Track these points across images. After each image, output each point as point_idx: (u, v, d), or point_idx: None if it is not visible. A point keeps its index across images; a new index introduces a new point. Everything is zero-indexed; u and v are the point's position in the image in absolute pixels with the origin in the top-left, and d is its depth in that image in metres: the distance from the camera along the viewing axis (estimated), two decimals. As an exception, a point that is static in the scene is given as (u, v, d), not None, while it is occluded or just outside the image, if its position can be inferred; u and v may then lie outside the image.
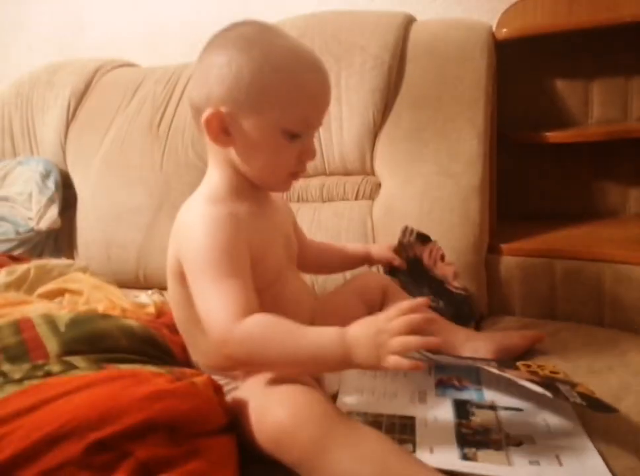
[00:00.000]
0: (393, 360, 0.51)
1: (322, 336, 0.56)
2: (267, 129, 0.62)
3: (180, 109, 1.22)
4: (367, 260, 0.87)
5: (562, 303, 0.94)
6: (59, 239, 1.29)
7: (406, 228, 0.89)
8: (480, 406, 0.64)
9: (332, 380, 0.69)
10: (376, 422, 0.61)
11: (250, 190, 0.67)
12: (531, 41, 1.05)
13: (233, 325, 0.56)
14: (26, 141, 1.41)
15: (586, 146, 1.07)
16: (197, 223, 0.62)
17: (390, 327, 0.53)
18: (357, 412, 0.63)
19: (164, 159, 1.19)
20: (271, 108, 0.61)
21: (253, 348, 0.56)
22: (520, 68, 1.10)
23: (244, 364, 0.60)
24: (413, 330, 0.52)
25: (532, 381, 0.60)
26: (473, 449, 0.57)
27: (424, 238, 0.91)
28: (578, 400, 0.58)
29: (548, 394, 0.58)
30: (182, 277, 0.63)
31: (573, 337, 0.84)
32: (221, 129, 0.62)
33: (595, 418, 0.63)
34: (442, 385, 0.68)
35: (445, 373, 0.71)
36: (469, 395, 0.66)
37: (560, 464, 0.55)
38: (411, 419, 0.62)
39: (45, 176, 1.27)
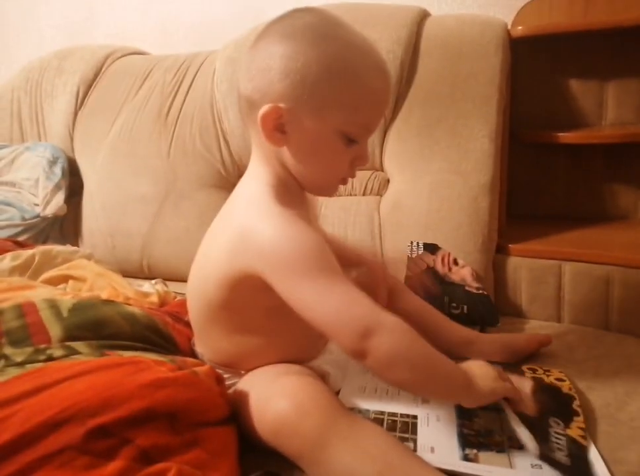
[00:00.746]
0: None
1: (456, 368, 0.59)
2: (327, 132, 0.58)
3: (189, 98, 1.21)
4: (358, 263, 0.81)
5: (569, 305, 0.93)
6: (65, 226, 1.28)
7: (411, 243, 0.89)
8: (484, 407, 0.63)
9: (337, 377, 0.68)
10: (377, 419, 0.61)
11: (298, 190, 0.64)
12: (546, 40, 1.04)
13: (381, 313, 0.54)
14: (34, 126, 1.41)
15: (599, 148, 1.05)
16: (279, 230, 0.56)
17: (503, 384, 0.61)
18: (359, 409, 0.63)
19: (172, 148, 1.19)
20: (335, 111, 0.57)
21: (404, 341, 0.54)
22: (535, 67, 1.09)
23: (387, 363, 0.54)
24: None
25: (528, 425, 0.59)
26: (475, 450, 0.56)
27: (432, 248, 0.91)
28: (562, 459, 0.56)
29: (532, 450, 0.57)
30: (232, 283, 0.59)
31: (579, 340, 0.83)
32: (277, 127, 0.58)
33: (599, 422, 0.62)
34: None
35: None
36: None
37: (564, 471, 0.54)
38: (413, 418, 0.62)
39: (53, 162, 1.27)
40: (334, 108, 0.57)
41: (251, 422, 0.56)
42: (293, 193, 0.63)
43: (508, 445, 0.57)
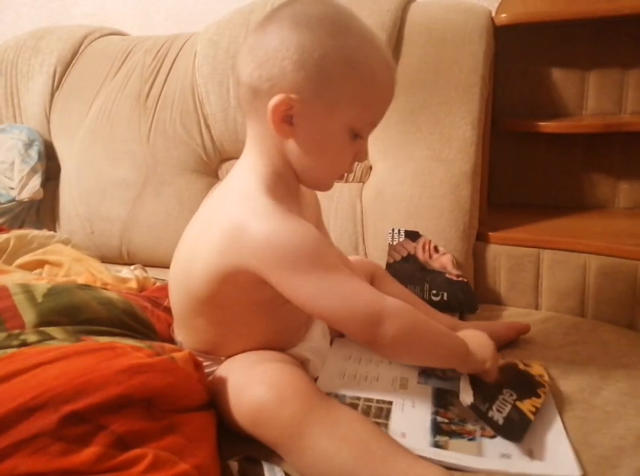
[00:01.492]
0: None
1: (456, 338, 0.61)
2: (336, 125, 0.57)
3: (170, 81, 1.19)
4: None
5: (546, 293, 0.95)
6: (41, 211, 1.26)
7: (392, 230, 0.89)
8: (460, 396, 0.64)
9: (316, 364, 0.68)
10: (353, 404, 0.61)
11: (294, 184, 0.63)
12: (530, 28, 1.04)
13: (384, 301, 0.55)
14: (9, 108, 1.37)
15: (579, 137, 1.06)
16: (277, 226, 0.55)
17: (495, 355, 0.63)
18: (335, 394, 0.63)
19: (152, 132, 1.16)
20: (348, 106, 0.56)
21: (409, 322, 0.56)
22: (518, 55, 1.09)
23: (397, 343, 0.56)
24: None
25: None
26: (446, 438, 0.57)
27: (413, 235, 0.91)
28: (499, 419, 0.57)
29: (464, 400, 0.59)
30: (222, 277, 0.58)
31: (556, 327, 0.85)
32: (285, 118, 0.56)
33: (574, 407, 0.64)
34: (425, 374, 0.68)
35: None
36: (452, 385, 0.65)
37: (532, 458, 0.55)
38: (388, 404, 0.62)
39: (29, 145, 1.24)
40: (348, 103, 0.56)
41: (229, 408, 0.56)
42: (288, 187, 0.61)
43: (480, 434, 0.58)
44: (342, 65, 0.55)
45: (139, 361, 0.52)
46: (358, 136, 0.59)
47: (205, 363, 0.64)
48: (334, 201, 1.02)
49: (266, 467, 0.53)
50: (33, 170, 1.21)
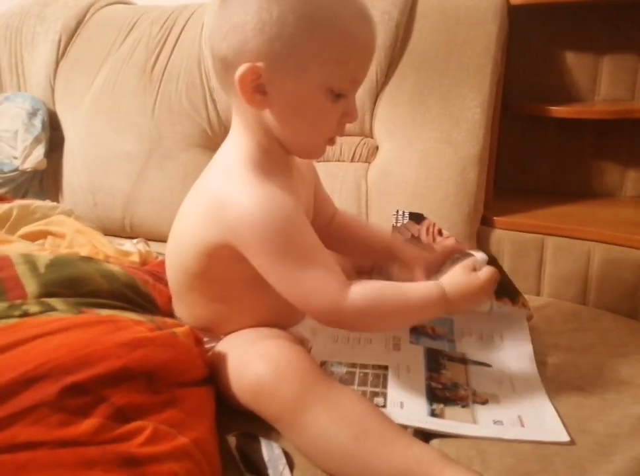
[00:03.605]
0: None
1: (426, 289, 0.59)
2: (311, 88, 0.54)
3: (176, 53, 1.17)
4: (390, 255, 0.76)
5: (549, 279, 0.94)
6: (45, 181, 1.25)
7: (397, 212, 0.88)
8: (451, 358, 0.66)
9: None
10: (349, 372, 0.62)
11: (282, 157, 0.61)
12: (545, 9, 1.01)
13: (345, 298, 0.55)
14: (14, 76, 1.35)
15: (589, 123, 1.04)
16: (254, 205, 0.54)
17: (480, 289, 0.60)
18: (330, 362, 0.63)
19: (157, 105, 1.15)
20: (318, 65, 0.53)
21: (370, 314, 0.56)
22: (531, 37, 1.07)
23: (363, 323, 0.59)
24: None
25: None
26: (441, 405, 0.58)
27: (417, 217, 0.90)
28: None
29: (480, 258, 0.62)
30: (212, 254, 0.58)
31: (556, 314, 0.85)
32: (257, 88, 0.54)
33: (571, 394, 0.64)
34: (416, 332, 0.69)
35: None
36: (442, 345, 0.68)
37: (522, 425, 0.57)
38: (384, 369, 0.63)
39: (33, 114, 1.23)
40: (317, 62, 0.53)
41: (229, 384, 0.56)
42: (276, 161, 0.60)
43: (472, 399, 0.60)
44: (303, 21, 0.52)
45: (140, 335, 0.52)
46: (341, 96, 0.56)
47: (204, 339, 0.64)
48: (339, 181, 1.01)
49: (263, 443, 0.53)
50: (36, 140, 1.21)
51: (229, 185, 0.56)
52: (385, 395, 0.59)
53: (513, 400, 0.60)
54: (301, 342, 0.66)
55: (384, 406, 0.58)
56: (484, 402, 0.59)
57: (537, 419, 0.58)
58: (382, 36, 0.99)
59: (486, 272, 0.59)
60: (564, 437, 0.55)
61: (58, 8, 1.33)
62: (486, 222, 0.98)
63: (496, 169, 1.06)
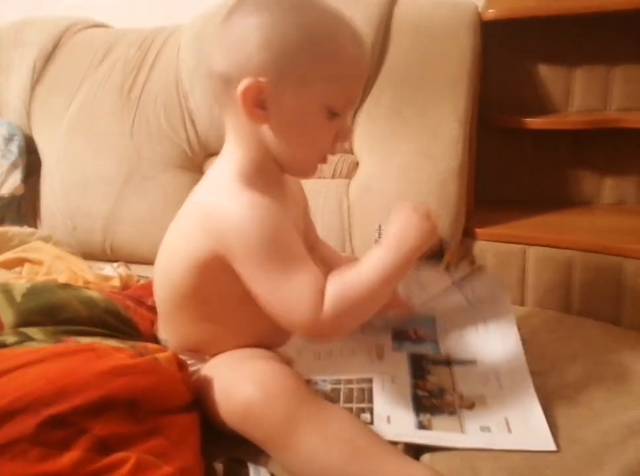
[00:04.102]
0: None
1: (371, 260, 0.56)
2: (309, 105, 0.56)
3: (154, 75, 1.17)
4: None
5: (532, 289, 0.95)
6: (22, 207, 1.23)
7: (379, 227, 0.88)
8: (435, 361, 0.65)
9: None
10: (334, 389, 0.61)
11: (275, 174, 0.61)
12: (517, 24, 1.04)
13: (320, 309, 0.54)
14: (-12, 102, 1.34)
15: (565, 134, 1.07)
16: (242, 211, 0.55)
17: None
18: (314, 380, 0.63)
19: (135, 127, 1.14)
20: (317, 82, 0.55)
21: (346, 315, 0.55)
22: (504, 51, 1.09)
23: (339, 332, 0.58)
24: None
25: None
26: (428, 415, 0.58)
27: None
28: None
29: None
30: (198, 267, 0.58)
31: (541, 323, 0.85)
32: (258, 103, 0.55)
33: (559, 403, 0.64)
34: (399, 339, 0.68)
35: (401, 326, 0.71)
36: (425, 348, 0.67)
37: (509, 430, 0.57)
38: (369, 382, 0.62)
39: (9, 139, 1.21)
40: (317, 80, 0.55)
41: (216, 408, 0.55)
42: (268, 177, 0.60)
43: (459, 404, 0.59)
44: (305, 41, 0.54)
45: (121, 362, 0.51)
46: (336, 114, 0.58)
47: (189, 362, 0.63)
48: (321, 198, 1.01)
49: (251, 468, 0.52)
50: (13, 166, 1.19)
51: (218, 196, 0.57)
52: (371, 411, 0.58)
53: (499, 400, 0.60)
54: (288, 362, 0.65)
55: (371, 422, 0.57)
56: (471, 407, 0.59)
57: (524, 420, 0.58)
58: (358, 54, 1.00)
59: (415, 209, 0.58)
60: (551, 446, 0.55)
61: (34, 32, 1.33)
62: (468, 234, 0.98)
63: (476, 181, 1.07)
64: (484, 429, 0.57)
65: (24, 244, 0.92)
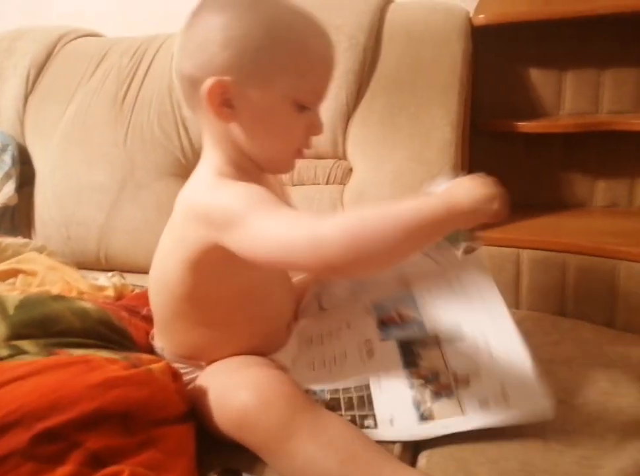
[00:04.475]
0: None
1: (413, 200, 0.52)
2: (277, 100, 0.56)
3: (147, 83, 1.17)
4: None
5: (526, 292, 0.95)
6: (16, 217, 1.23)
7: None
8: (424, 344, 0.64)
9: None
10: (334, 399, 0.61)
11: (254, 171, 0.61)
12: (507, 29, 1.04)
13: (318, 222, 0.50)
14: (-18, 112, 1.33)
15: (557, 137, 1.07)
16: (220, 192, 0.56)
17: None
18: (313, 389, 0.62)
19: (129, 136, 1.15)
20: (281, 77, 0.55)
21: (355, 228, 0.49)
22: (496, 56, 1.09)
23: (347, 260, 0.49)
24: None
25: None
26: (428, 404, 0.58)
27: None
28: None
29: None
30: (196, 264, 0.58)
31: (536, 327, 0.85)
32: (224, 102, 0.56)
33: (553, 428, 0.64)
34: (384, 326, 0.67)
35: (384, 310, 0.70)
36: (412, 330, 0.65)
37: (506, 399, 0.57)
38: (367, 389, 0.62)
39: (2, 150, 1.21)
40: (280, 74, 0.56)
41: (212, 415, 0.55)
42: (247, 177, 0.59)
43: (455, 385, 0.59)
44: (265, 36, 0.54)
45: (114, 374, 0.51)
46: (305, 108, 0.58)
47: (186, 370, 0.63)
48: (315, 204, 1.02)
49: (246, 478, 0.52)
50: (7, 176, 1.19)
51: (198, 191, 0.59)
52: (374, 416, 0.59)
53: (493, 369, 0.59)
54: (283, 369, 0.65)
55: (375, 427, 0.58)
56: (467, 383, 0.59)
57: (519, 384, 0.58)
58: (350, 60, 1.01)
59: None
60: (546, 411, 0.56)
61: (27, 42, 1.33)
62: (462, 238, 0.98)
63: (469, 185, 1.07)
64: (483, 403, 0.57)
65: (17, 255, 0.92)
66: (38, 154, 1.24)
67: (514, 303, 0.96)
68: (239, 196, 0.54)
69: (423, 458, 0.58)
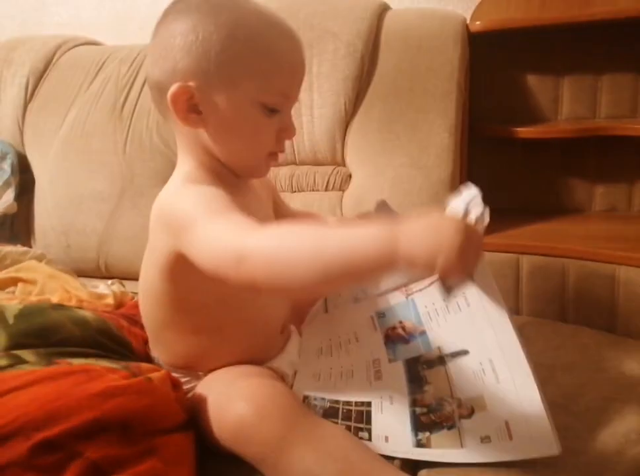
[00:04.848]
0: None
1: (360, 230, 0.44)
2: (243, 103, 0.56)
3: (146, 91, 1.17)
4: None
5: (527, 298, 0.95)
6: (16, 225, 1.23)
7: (382, 201, 0.84)
8: (430, 363, 0.63)
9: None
10: (332, 408, 0.61)
11: (228, 177, 0.61)
12: (504, 35, 1.05)
13: (246, 237, 0.47)
14: (-19, 120, 1.34)
15: (555, 142, 1.07)
16: (179, 197, 0.55)
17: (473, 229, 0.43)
18: (313, 396, 0.62)
19: (128, 143, 1.15)
20: (247, 80, 0.55)
21: (273, 253, 0.45)
22: (493, 62, 1.10)
23: (267, 280, 0.46)
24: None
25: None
26: (427, 433, 0.57)
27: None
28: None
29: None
30: (168, 273, 0.58)
31: (537, 332, 0.85)
32: (191, 108, 0.55)
33: (557, 413, 0.63)
34: (391, 342, 0.67)
35: (388, 321, 0.69)
36: (417, 346, 0.65)
37: (510, 437, 0.54)
38: (367, 405, 0.61)
39: (1, 158, 1.21)
40: (244, 77, 0.55)
41: (210, 426, 0.55)
42: (219, 178, 0.59)
43: (458, 414, 0.57)
44: (227, 39, 0.54)
45: (114, 383, 0.50)
46: (275, 111, 0.57)
47: (183, 379, 0.63)
48: (315, 210, 1.01)
49: (246, 488, 0.52)
50: (6, 184, 1.19)
51: (161, 198, 0.58)
52: (369, 431, 0.58)
53: (498, 400, 0.57)
54: (281, 377, 0.65)
55: (369, 439, 0.57)
56: (470, 414, 0.57)
57: (525, 421, 0.54)
58: (348, 68, 1.01)
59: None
60: (555, 450, 0.52)
61: (25, 51, 1.33)
62: (461, 244, 0.98)
63: (468, 191, 1.07)
64: (485, 439, 0.55)
65: (17, 263, 0.91)
66: (37, 162, 1.24)
67: (514, 309, 0.96)
68: (191, 200, 0.54)
69: (424, 469, 0.57)
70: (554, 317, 0.92)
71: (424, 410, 0.59)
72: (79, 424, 0.46)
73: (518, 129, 1.02)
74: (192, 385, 0.63)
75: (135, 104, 1.17)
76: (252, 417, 0.52)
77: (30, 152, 1.26)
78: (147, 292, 0.63)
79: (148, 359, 0.66)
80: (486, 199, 1.17)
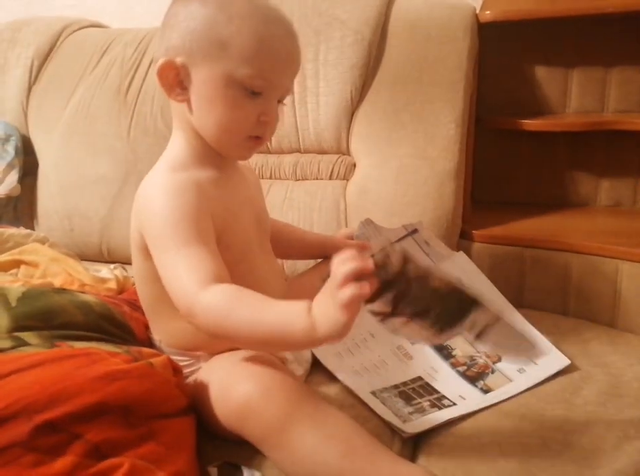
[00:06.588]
0: (345, 303, 0.43)
1: (290, 308, 0.49)
2: (220, 80, 0.58)
3: (151, 74, 1.16)
4: (324, 249, 0.82)
5: (529, 291, 0.95)
6: (19, 207, 1.23)
7: (368, 222, 0.86)
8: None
9: (295, 366, 0.68)
10: (404, 393, 0.66)
11: (214, 156, 0.63)
12: (514, 26, 1.04)
13: (199, 293, 0.52)
14: (-15, 101, 1.33)
15: (562, 135, 1.07)
16: (158, 193, 0.59)
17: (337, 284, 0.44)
18: (380, 389, 0.66)
19: (132, 127, 1.14)
20: (224, 58, 0.57)
21: (218, 318, 0.51)
22: (502, 53, 1.09)
23: (213, 335, 0.55)
24: (355, 277, 0.44)
25: None
26: (481, 382, 0.67)
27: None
28: None
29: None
30: (146, 252, 0.59)
31: (537, 325, 0.85)
32: (177, 83, 0.59)
33: (556, 407, 0.64)
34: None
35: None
36: None
37: (535, 362, 0.70)
38: (420, 380, 0.68)
39: (5, 140, 1.21)
40: (224, 55, 0.57)
41: (213, 408, 0.55)
42: (204, 158, 0.62)
43: (492, 361, 0.71)
44: (210, 19, 0.57)
45: (116, 367, 0.51)
46: (258, 94, 0.59)
47: (186, 363, 0.64)
48: (318, 199, 1.01)
49: (246, 472, 0.52)
50: (10, 166, 1.18)
51: (146, 184, 0.62)
52: (443, 396, 0.65)
53: (514, 342, 0.62)
54: (282, 361, 0.65)
55: (454, 403, 0.64)
56: (500, 359, 0.70)
57: (537, 349, 0.70)
58: (355, 55, 1.00)
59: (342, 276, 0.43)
60: (566, 361, 0.71)
61: (30, 33, 1.32)
62: (465, 236, 0.98)
63: (473, 183, 1.07)
64: (521, 370, 0.69)
65: (20, 246, 0.91)
66: (41, 145, 1.24)
67: (516, 302, 0.95)
68: (164, 211, 0.57)
69: (423, 456, 0.58)
70: (556, 310, 0.92)
71: (464, 368, 0.69)
72: (80, 407, 0.46)
73: (525, 121, 1.01)
74: (195, 368, 0.63)
75: (140, 88, 1.16)
76: (258, 396, 0.52)
77: (34, 134, 1.25)
78: (136, 272, 0.66)
79: (149, 344, 0.67)
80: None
